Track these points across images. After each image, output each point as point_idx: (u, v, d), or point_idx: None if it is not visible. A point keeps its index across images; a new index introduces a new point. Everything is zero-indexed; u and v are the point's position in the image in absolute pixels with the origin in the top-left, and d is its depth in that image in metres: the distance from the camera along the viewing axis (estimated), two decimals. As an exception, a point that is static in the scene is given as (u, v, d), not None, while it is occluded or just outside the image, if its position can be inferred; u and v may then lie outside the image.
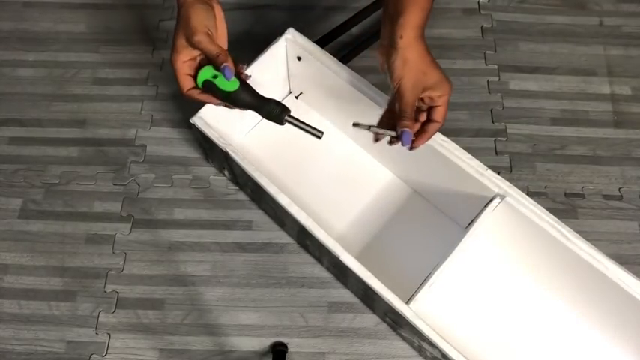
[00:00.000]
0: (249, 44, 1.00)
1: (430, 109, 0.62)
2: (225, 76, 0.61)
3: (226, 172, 0.87)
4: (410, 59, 0.58)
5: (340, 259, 0.67)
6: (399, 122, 0.60)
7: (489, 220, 0.70)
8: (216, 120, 0.77)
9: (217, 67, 0.62)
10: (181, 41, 0.63)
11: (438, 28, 1.03)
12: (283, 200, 0.70)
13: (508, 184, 0.70)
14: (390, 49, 0.58)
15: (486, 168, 0.70)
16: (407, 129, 0.59)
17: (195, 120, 0.75)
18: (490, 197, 0.70)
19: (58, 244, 0.85)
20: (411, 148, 0.63)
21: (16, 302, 0.82)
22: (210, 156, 0.88)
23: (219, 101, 0.64)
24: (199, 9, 0.63)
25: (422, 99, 0.61)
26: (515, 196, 0.69)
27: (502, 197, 0.69)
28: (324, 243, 0.68)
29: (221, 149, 0.74)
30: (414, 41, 0.59)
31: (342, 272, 0.74)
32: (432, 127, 0.62)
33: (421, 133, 0.62)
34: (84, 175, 0.90)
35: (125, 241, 0.85)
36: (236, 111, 0.83)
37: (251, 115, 0.90)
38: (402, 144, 0.61)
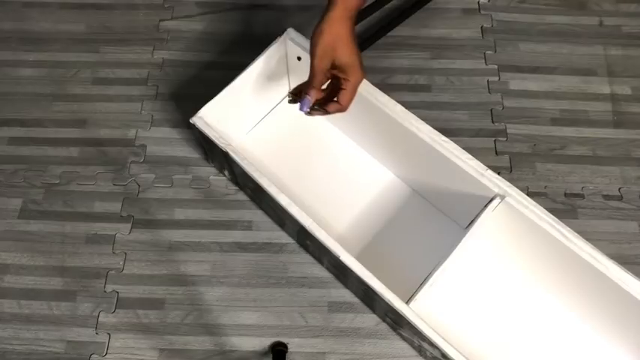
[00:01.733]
0: (248, 44, 1.01)
1: (338, 91, 0.66)
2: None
3: (226, 172, 0.87)
4: (325, 31, 0.62)
5: (340, 259, 0.67)
6: (305, 87, 0.66)
7: (489, 220, 0.70)
8: (217, 120, 0.77)
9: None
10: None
11: (438, 28, 1.03)
12: (283, 200, 0.70)
13: (508, 184, 0.70)
14: (318, 21, 0.63)
15: (486, 168, 0.70)
16: (308, 96, 0.66)
17: (195, 120, 0.75)
18: (490, 197, 0.70)
19: (58, 244, 0.85)
20: (308, 114, 0.69)
21: (16, 302, 0.81)
22: (210, 156, 0.88)
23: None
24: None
25: (334, 77, 0.66)
26: (515, 196, 0.69)
27: (502, 197, 0.69)
28: (324, 243, 0.68)
29: (221, 149, 0.74)
30: (338, 19, 0.62)
31: (342, 272, 0.74)
32: (332, 106, 0.67)
33: (322, 107, 0.68)
34: (84, 175, 0.90)
35: (125, 241, 0.85)
36: (236, 111, 0.83)
37: (251, 115, 0.90)
38: (299, 107, 0.67)
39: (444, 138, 0.72)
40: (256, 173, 0.72)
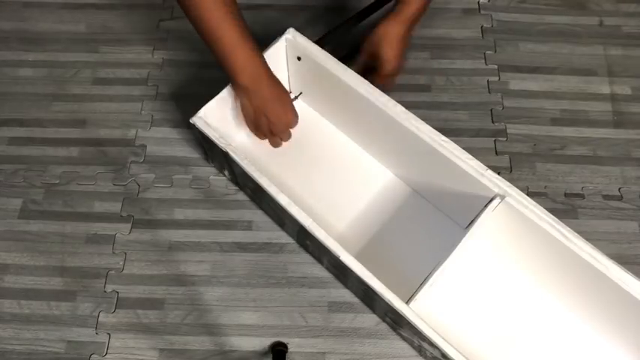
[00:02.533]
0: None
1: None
2: None
3: (226, 172, 0.87)
4: (378, 28, 0.80)
5: (340, 259, 0.67)
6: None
7: (489, 220, 0.70)
8: (217, 120, 0.77)
9: None
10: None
11: (438, 28, 1.03)
12: (283, 200, 0.70)
13: (508, 184, 0.70)
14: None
15: (486, 168, 0.70)
16: None
17: (195, 120, 0.75)
18: (490, 197, 0.70)
19: (58, 244, 0.85)
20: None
21: (16, 302, 0.81)
22: (210, 156, 0.88)
23: None
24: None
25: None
26: (515, 196, 0.69)
27: (502, 197, 0.69)
28: (324, 243, 0.68)
29: (221, 149, 0.74)
30: (393, 21, 0.78)
31: (342, 272, 0.75)
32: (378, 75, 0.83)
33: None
34: (84, 175, 0.90)
35: (125, 241, 0.85)
36: (236, 111, 0.83)
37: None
38: None
39: (443, 138, 0.72)
40: (256, 173, 0.72)
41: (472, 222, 0.72)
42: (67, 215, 0.87)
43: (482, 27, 1.03)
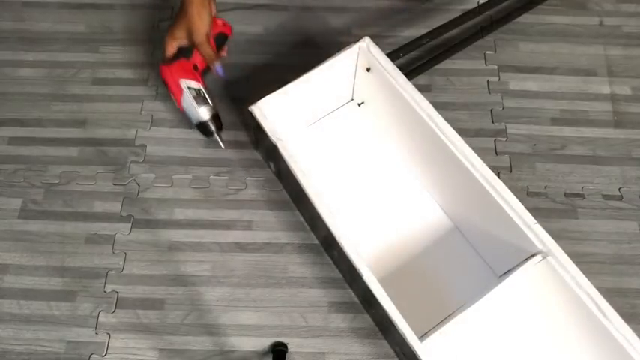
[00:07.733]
0: (247, 44, 1.01)
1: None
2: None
3: (271, 165, 0.87)
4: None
5: (363, 279, 0.65)
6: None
7: (526, 275, 0.66)
8: (272, 113, 0.76)
9: (210, 68, 0.80)
10: (181, 33, 0.79)
11: (438, 28, 1.02)
12: (319, 204, 0.69)
13: (553, 242, 0.66)
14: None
15: (534, 221, 0.67)
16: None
17: (253, 108, 0.75)
18: (532, 252, 0.67)
19: (58, 244, 0.85)
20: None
21: (16, 302, 0.82)
22: (259, 145, 0.87)
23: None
24: (204, 10, 0.77)
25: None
26: (559, 258, 0.65)
27: (544, 255, 0.66)
28: (351, 258, 0.65)
29: (271, 142, 0.73)
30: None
31: (367, 300, 0.71)
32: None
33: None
34: (84, 175, 0.90)
35: (125, 241, 0.85)
36: (292, 108, 0.84)
37: (306, 116, 0.89)
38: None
39: (499, 182, 0.69)
40: (299, 172, 0.71)
41: (507, 272, 0.69)
42: (67, 215, 0.87)
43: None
